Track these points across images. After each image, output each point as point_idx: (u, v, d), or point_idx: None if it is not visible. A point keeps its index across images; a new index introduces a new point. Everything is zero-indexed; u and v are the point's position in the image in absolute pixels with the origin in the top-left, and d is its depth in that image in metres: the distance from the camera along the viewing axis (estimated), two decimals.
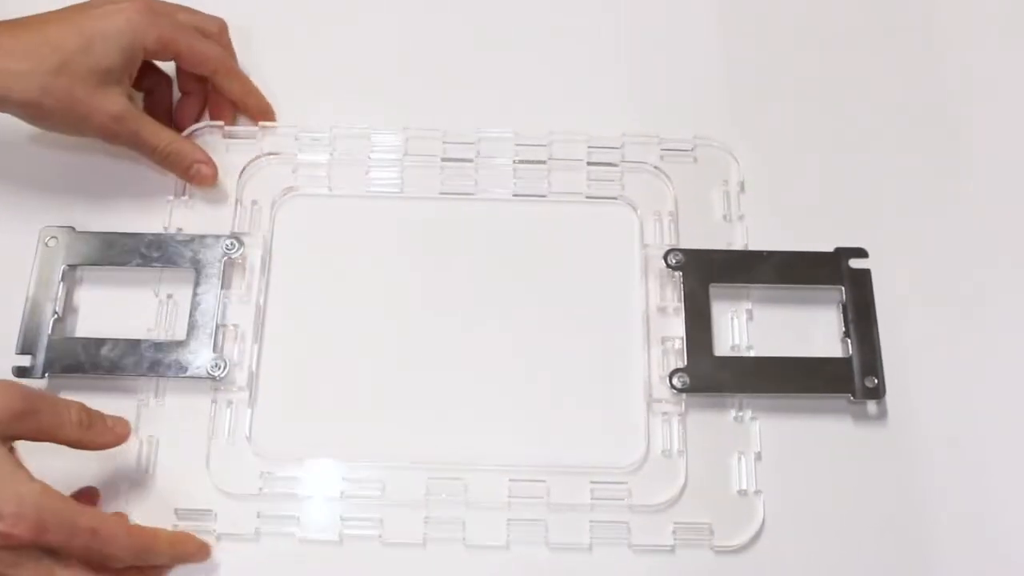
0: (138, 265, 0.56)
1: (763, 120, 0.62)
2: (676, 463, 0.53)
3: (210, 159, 0.58)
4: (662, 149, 0.59)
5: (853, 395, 0.54)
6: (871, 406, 0.55)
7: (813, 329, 0.56)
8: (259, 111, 0.60)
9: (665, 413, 0.54)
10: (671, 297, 0.56)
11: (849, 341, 0.55)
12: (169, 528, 0.51)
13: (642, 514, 0.52)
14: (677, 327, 0.55)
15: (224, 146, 0.59)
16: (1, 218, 0.58)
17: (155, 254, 0.56)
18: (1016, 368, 0.56)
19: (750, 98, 0.62)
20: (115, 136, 0.54)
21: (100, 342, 0.54)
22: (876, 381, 0.54)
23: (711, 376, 0.54)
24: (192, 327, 0.54)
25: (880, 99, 0.62)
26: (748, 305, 0.57)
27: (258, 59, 0.62)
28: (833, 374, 0.54)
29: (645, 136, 0.60)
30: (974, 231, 0.59)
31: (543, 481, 0.52)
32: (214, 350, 0.54)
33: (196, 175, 0.57)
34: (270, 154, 0.59)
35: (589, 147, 0.59)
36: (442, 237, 0.58)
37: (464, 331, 0.56)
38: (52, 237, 0.56)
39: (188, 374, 0.54)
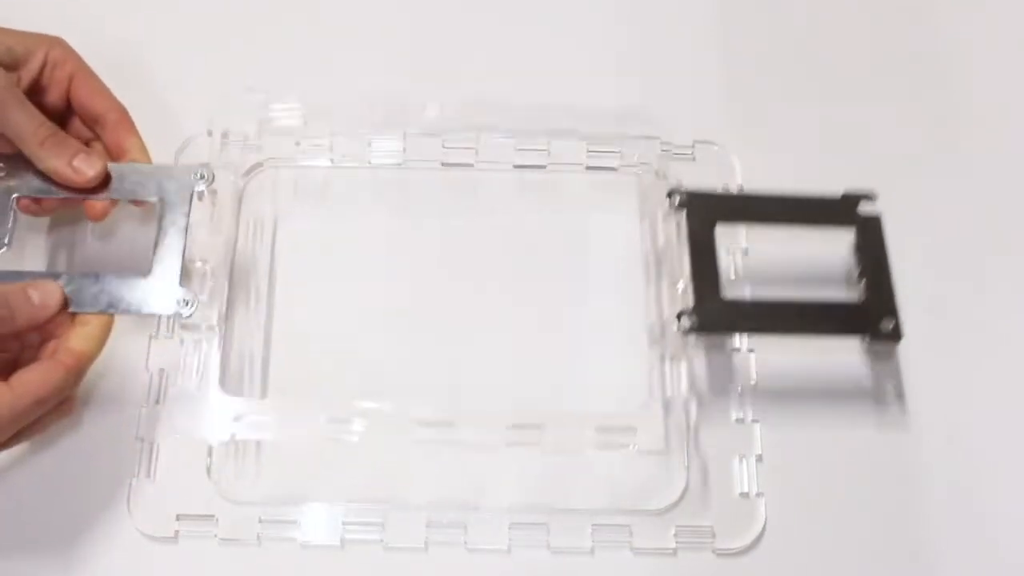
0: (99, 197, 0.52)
1: (764, 119, 0.62)
2: (677, 413, 0.52)
3: (100, 152, 0.53)
4: (662, 151, 0.59)
5: (869, 337, 0.51)
6: (872, 409, 0.55)
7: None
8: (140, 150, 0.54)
9: (673, 357, 0.53)
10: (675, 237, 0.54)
11: (863, 284, 0.52)
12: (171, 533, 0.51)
13: (644, 517, 0.52)
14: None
15: (223, 156, 0.58)
16: None
17: (116, 185, 0.52)
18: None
19: (750, 98, 0.62)
20: None
21: (55, 275, 0.50)
22: (893, 323, 0.51)
23: (720, 317, 0.51)
24: (158, 262, 0.51)
25: (883, 100, 0.62)
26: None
27: (256, 63, 0.62)
28: (847, 317, 0.52)
29: (644, 138, 0.59)
30: (980, 221, 0.59)
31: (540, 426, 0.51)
32: (181, 284, 0.50)
33: (79, 167, 0.51)
34: (271, 158, 0.59)
35: (588, 150, 0.59)
36: (442, 244, 0.58)
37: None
38: (0, 168, 0.52)
39: (150, 311, 0.50)
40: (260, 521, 0.51)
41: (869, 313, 0.52)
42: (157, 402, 0.53)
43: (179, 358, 0.52)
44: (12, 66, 0.51)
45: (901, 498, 0.53)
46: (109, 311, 0.50)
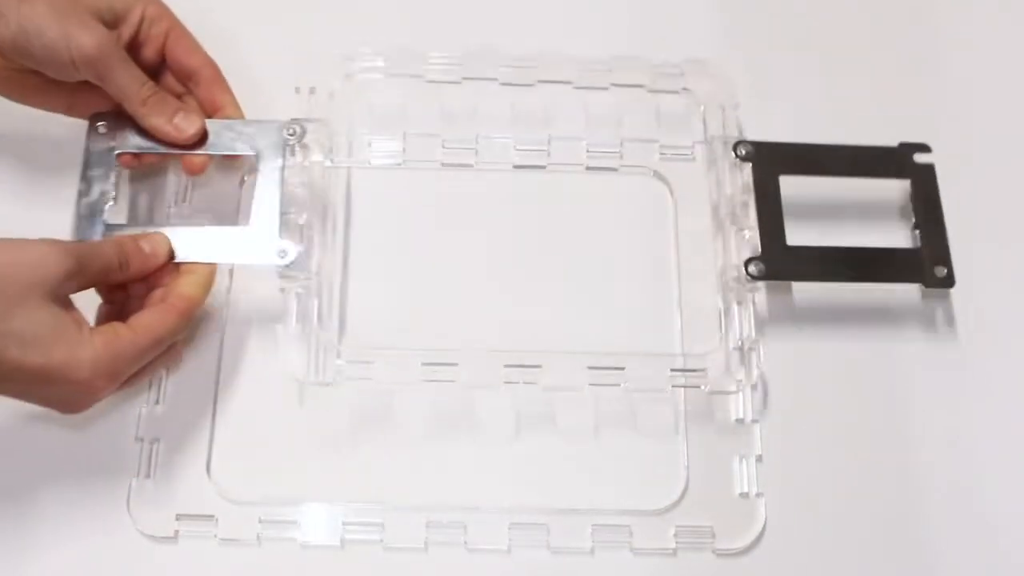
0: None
1: (765, 117, 0.61)
2: (744, 355, 0.53)
3: (197, 109, 0.55)
4: (661, 153, 0.59)
5: (924, 284, 0.55)
6: (872, 409, 0.55)
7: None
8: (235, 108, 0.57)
9: (740, 302, 0.54)
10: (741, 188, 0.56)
11: (918, 232, 0.56)
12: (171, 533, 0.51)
13: (644, 517, 0.52)
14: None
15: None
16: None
17: (212, 140, 0.54)
18: None
19: (754, 95, 0.62)
20: (92, 63, 0.50)
21: (160, 227, 0.52)
22: (946, 271, 0.54)
23: (785, 264, 0.54)
24: (256, 214, 0.53)
25: (883, 100, 0.62)
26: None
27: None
28: (903, 264, 0.55)
29: (644, 140, 0.60)
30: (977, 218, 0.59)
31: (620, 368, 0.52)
32: (279, 235, 0.52)
33: (180, 125, 0.53)
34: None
35: (588, 151, 0.59)
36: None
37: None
38: (102, 124, 0.54)
39: (252, 261, 0.52)
40: (260, 521, 0.51)
41: (924, 261, 0.55)
42: (157, 403, 0.54)
43: (283, 305, 0.53)
44: (112, 24, 0.52)
45: (901, 499, 0.53)
46: (213, 261, 0.52)
